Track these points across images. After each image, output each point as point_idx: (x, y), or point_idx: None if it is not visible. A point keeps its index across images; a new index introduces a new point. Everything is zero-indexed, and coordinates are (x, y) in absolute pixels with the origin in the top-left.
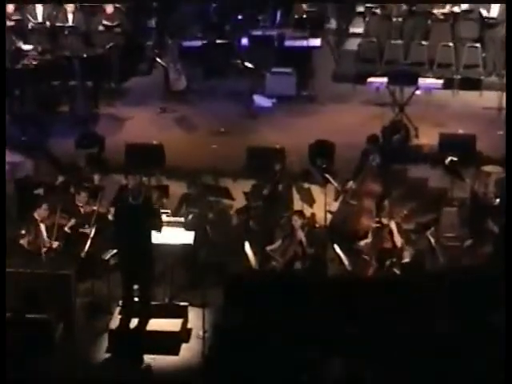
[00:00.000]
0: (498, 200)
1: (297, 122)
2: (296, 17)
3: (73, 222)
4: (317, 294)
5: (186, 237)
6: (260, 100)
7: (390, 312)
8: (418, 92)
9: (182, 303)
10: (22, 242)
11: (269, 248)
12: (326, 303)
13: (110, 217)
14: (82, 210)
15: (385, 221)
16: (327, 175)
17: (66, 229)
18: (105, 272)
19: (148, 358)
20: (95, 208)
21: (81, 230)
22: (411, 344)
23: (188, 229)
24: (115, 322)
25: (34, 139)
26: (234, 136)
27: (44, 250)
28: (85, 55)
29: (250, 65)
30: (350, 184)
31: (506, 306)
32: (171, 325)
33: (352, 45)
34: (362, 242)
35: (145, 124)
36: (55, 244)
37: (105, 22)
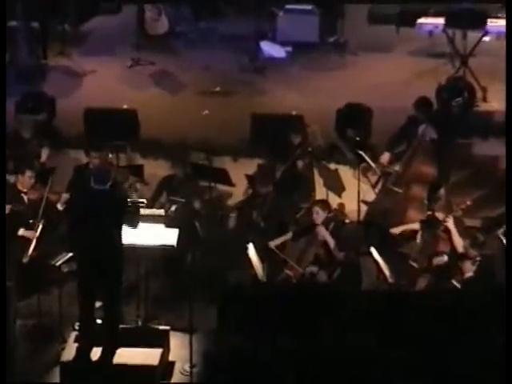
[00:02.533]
0: None
1: (320, 79)
2: None
3: (10, 211)
4: (347, 314)
5: (168, 236)
6: (269, 48)
7: (446, 337)
8: (486, 38)
9: (161, 326)
10: None
11: (272, 244)
12: (359, 326)
13: (63, 207)
14: (24, 197)
15: (440, 215)
16: (361, 152)
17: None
18: (55, 284)
19: None
20: (43, 195)
21: (22, 226)
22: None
23: (170, 225)
24: (70, 352)
25: None
26: (233, 98)
27: None
28: None
29: None
30: (386, 158)
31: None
32: (147, 356)
33: None
34: (409, 244)
35: (111, 81)
36: None
37: None
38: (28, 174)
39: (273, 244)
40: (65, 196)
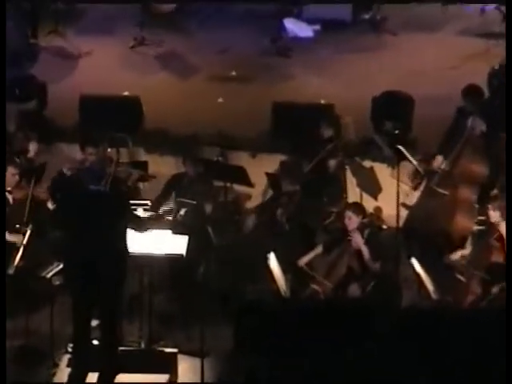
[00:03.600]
0: None
1: (353, 63)
2: None
3: None
4: (382, 334)
5: (176, 243)
6: (295, 27)
7: (498, 365)
8: None
9: (168, 349)
10: None
11: (302, 262)
12: (396, 348)
13: (53, 209)
14: (9, 197)
15: (493, 219)
16: (401, 147)
17: None
18: (46, 299)
19: None
20: (30, 195)
21: (7, 231)
22: None
23: (179, 231)
24: (61, 377)
25: None
26: (252, 84)
27: None
28: None
29: None
30: (439, 162)
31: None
32: (152, 383)
33: None
34: (457, 254)
35: (111, 64)
36: None
37: None
38: (11, 171)
39: (302, 262)
40: (59, 198)
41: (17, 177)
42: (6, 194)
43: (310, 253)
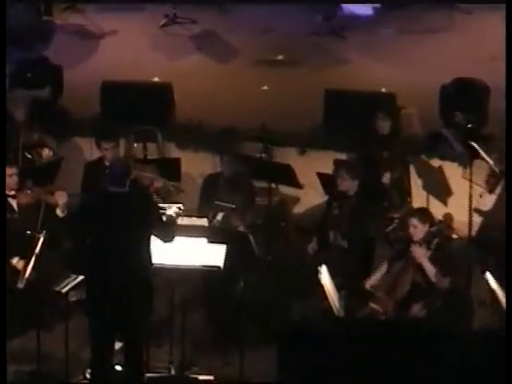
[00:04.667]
0: None
1: (418, 46)
2: None
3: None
4: (453, 360)
5: (212, 254)
6: (351, 4)
7: None
8: None
9: (202, 376)
10: None
11: (369, 283)
12: (469, 375)
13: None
14: (13, 202)
15: None
16: (474, 144)
17: None
18: (60, 317)
19: None
20: (44, 199)
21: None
22: None
23: (215, 239)
24: None
25: None
26: (301, 69)
27: None
28: None
29: None
30: None
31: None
32: None
33: None
34: None
35: (138, 45)
36: None
37: None
38: (8, 171)
39: (368, 285)
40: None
41: (15, 177)
42: (9, 199)
43: (376, 274)
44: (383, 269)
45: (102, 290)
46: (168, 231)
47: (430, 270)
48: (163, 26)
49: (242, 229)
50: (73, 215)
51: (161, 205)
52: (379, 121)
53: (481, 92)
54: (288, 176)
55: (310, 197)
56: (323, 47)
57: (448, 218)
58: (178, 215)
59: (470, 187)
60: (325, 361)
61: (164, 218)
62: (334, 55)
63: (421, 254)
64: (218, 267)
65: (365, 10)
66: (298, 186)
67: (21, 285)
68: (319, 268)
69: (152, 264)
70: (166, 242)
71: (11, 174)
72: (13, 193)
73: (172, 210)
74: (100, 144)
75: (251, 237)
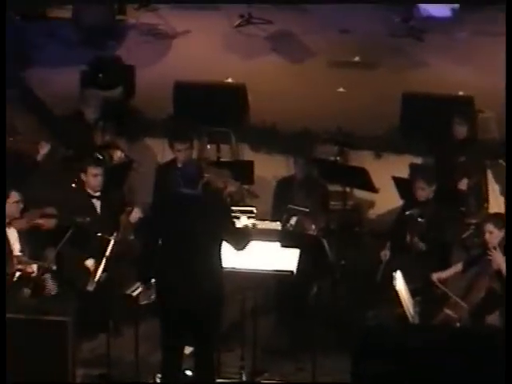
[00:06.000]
0: None
1: (499, 48)
2: None
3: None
4: None
5: (285, 258)
6: (429, 5)
7: None
8: None
9: (273, 382)
10: None
11: (436, 276)
12: None
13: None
14: (96, 202)
15: None
16: None
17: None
18: (130, 321)
19: None
20: (120, 199)
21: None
22: None
23: (288, 244)
24: None
25: None
26: (378, 71)
27: (16, 275)
28: None
29: None
30: None
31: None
32: None
33: None
34: None
35: (212, 46)
36: (34, 267)
37: None
38: (93, 171)
39: (435, 277)
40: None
41: (99, 178)
42: (93, 200)
43: (448, 269)
44: (458, 267)
45: (173, 293)
46: (241, 240)
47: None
48: (238, 25)
49: (315, 233)
50: (145, 216)
51: (233, 208)
52: (456, 125)
53: None
54: (363, 180)
55: (385, 201)
56: (401, 49)
57: None
58: (254, 226)
59: None
60: (398, 368)
61: (238, 225)
62: (412, 57)
63: (501, 260)
64: (291, 272)
65: (443, 11)
66: (373, 190)
67: (91, 287)
68: (393, 274)
69: (223, 268)
70: (237, 249)
71: (95, 174)
72: (97, 194)
73: (246, 219)
74: (173, 145)
75: (325, 241)
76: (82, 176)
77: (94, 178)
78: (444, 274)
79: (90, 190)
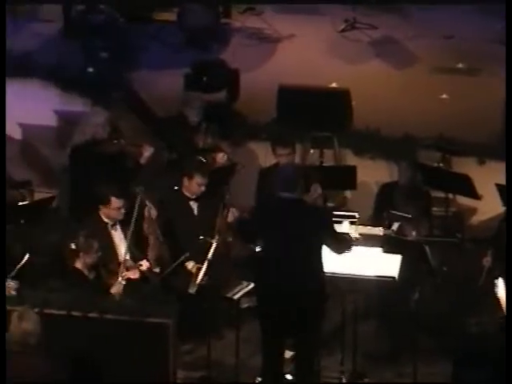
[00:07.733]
0: None
1: None
2: None
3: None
4: None
5: (386, 264)
6: None
7: None
8: None
9: None
10: (79, 263)
11: None
12: None
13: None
14: (194, 206)
15: None
16: None
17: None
18: (231, 324)
19: None
20: (222, 203)
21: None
22: None
23: (390, 249)
24: None
25: (107, 68)
26: (481, 78)
27: (122, 276)
28: None
29: None
30: None
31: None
32: None
33: None
34: None
35: (316, 50)
36: (139, 269)
37: None
38: (199, 180)
39: None
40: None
41: (203, 187)
42: (191, 202)
43: None
44: None
45: (274, 296)
46: (342, 244)
47: None
48: (343, 30)
49: (417, 239)
50: (246, 219)
51: (336, 212)
52: None
53: None
54: (466, 186)
55: (488, 208)
56: (504, 56)
57: None
58: (356, 237)
59: None
60: (502, 376)
61: (339, 229)
62: None
63: None
64: (393, 278)
65: None
66: (476, 196)
67: (192, 290)
68: (496, 281)
69: (324, 272)
70: (337, 253)
71: (201, 184)
72: (195, 196)
73: (348, 224)
74: (275, 150)
75: (427, 247)
76: (185, 180)
77: (198, 186)
78: None
79: (187, 194)
